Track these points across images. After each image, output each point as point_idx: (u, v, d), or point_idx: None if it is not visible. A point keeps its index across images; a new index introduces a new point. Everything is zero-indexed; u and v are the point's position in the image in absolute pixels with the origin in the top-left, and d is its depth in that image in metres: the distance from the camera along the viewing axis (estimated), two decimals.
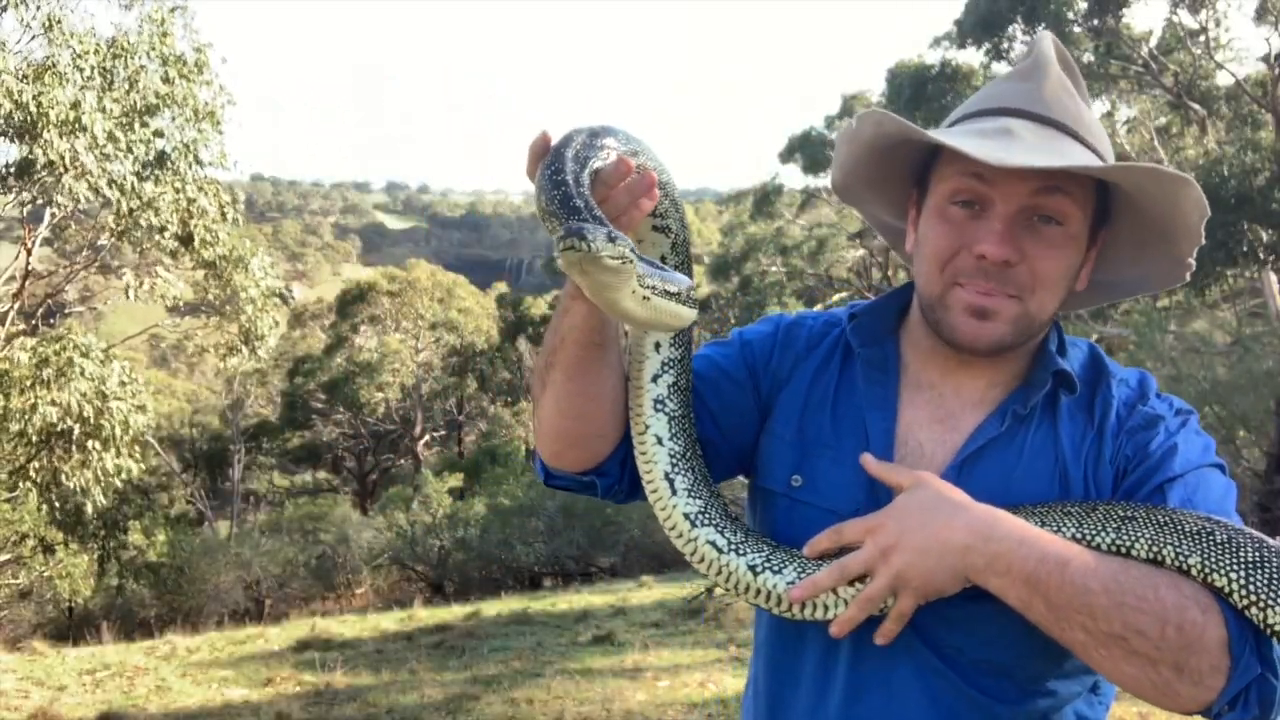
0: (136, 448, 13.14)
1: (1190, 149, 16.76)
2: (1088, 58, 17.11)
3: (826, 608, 1.22)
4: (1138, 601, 1.11)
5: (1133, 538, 1.16)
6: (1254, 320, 16.41)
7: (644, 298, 1.10)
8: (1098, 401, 1.33)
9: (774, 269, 27.54)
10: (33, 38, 11.80)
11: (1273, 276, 15.69)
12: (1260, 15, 15.98)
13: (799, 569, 1.24)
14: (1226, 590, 1.11)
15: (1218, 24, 16.89)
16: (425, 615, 13.01)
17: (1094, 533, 1.18)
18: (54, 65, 11.37)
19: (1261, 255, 14.19)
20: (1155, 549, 1.15)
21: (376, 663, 9.54)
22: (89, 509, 13.60)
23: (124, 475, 12.85)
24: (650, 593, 13.16)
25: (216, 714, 7.86)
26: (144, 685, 9.03)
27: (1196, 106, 17.51)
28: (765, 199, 26.88)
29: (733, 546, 1.27)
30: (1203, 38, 17.06)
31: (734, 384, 1.41)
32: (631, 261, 1.05)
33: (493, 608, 12.96)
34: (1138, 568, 1.14)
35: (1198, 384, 11.62)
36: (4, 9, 11.57)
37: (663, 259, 1.31)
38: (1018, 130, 1.24)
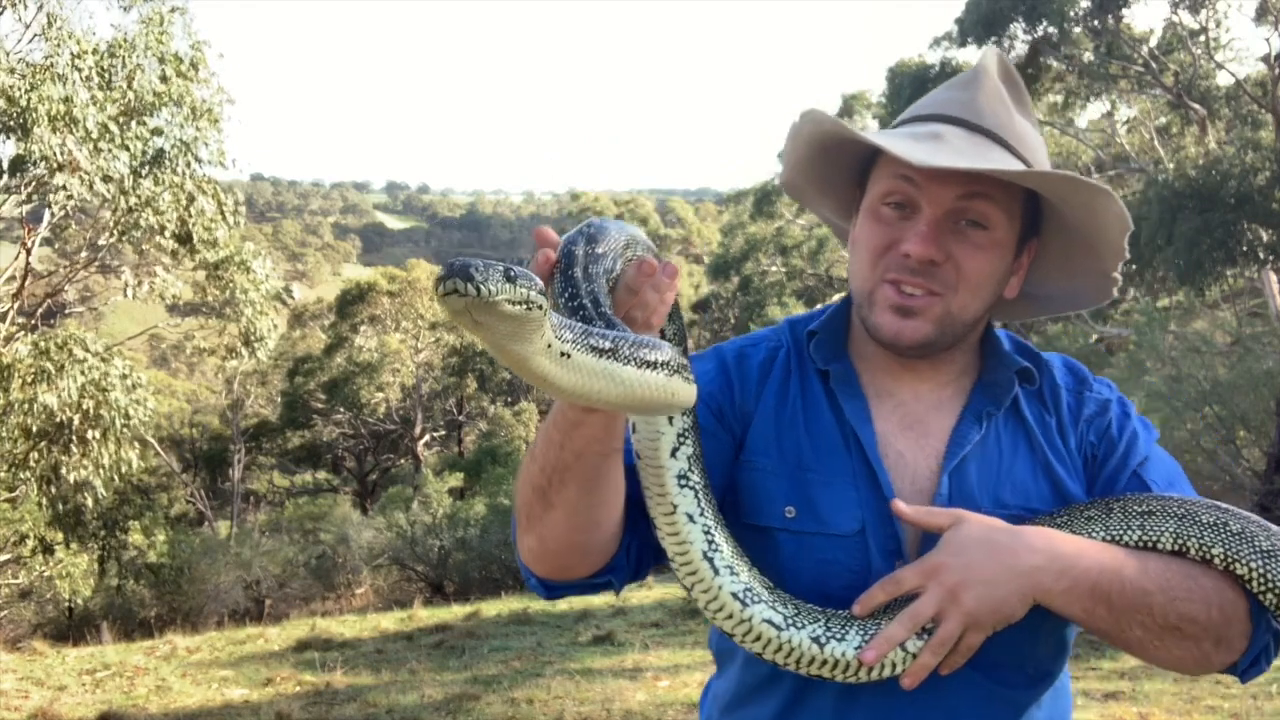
0: (135, 443, 13.12)
1: (1190, 149, 16.76)
2: (1088, 57, 17.12)
3: (894, 664, 1.17)
4: (1187, 593, 1.21)
5: (1158, 532, 1.25)
6: (1254, 320, 16.44)
7: (562, 354, 0.91)
8: (1045, 387, 1.40)
9: (774, 269, 27.56)
10: (33, 38, 11.79)
11: (1273, 276, 15.71)
12: (1260, 15, 16.01)
13: (861, 630, 1.18)
14: (1247, 578, 1.22)
15: (1218, 24, 16.93)
16: (425, 615, 12.99)
17: (1121, 532, 1.25)
18: (52, 65, 11.36)
19: (1261, 255, 14.20)
20: (1180, 542, 1.24)
21: (376, 663, 9.53)
22: (89, 504, 13.58)
23: (124, 468, 12.81)
24: (650, 593, 13.13)
25: (216, 714, 7.84)
26: (144, 685, 9.01)
27: (1196, 106, 17.52)
28: (765, 199, 26.88)
29: (789, 621, 1.18)
30: (1203, 38, 17.08)
31: (710, 437, 1.32)
32: (540, 307, 0.86)
33: (493, 608, 12.93)
34: (1176, 560, 1.24)
35: (1198, 384, 11.63)
36: (2, 9, 11.56)
37: (661, 332, 1.20)
38: (947, 136, 1.30)
